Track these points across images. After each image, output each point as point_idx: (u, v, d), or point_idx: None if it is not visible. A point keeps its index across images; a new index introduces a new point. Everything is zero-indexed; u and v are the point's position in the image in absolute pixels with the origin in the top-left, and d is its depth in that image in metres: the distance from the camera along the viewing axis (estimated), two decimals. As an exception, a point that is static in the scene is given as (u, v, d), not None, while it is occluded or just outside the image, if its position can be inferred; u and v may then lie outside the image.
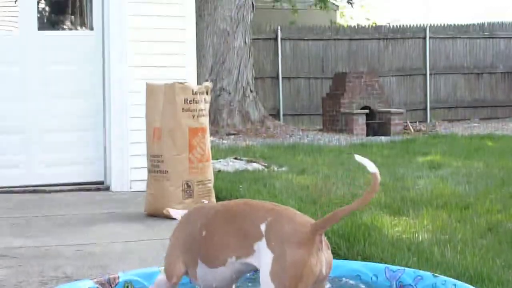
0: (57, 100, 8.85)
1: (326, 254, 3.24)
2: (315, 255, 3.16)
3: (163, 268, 3.95)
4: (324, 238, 3.26)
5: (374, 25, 25.17)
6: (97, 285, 3.93)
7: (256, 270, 3.32)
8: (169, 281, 3.60)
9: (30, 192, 8.59)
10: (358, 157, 3.30)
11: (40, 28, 8.90)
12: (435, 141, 14.01)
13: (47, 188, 8.69)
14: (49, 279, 4.92)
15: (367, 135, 16.88)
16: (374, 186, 3.25)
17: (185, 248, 3.55)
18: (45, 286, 4.67)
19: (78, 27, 10.29)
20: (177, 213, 3.94)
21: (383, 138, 15.59)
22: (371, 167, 3.24)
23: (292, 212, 3.33)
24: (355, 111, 17.54)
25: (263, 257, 3.19)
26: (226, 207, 3.50)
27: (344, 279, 4.06)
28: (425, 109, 21.92)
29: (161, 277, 3.65)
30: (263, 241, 3.20)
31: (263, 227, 3.22)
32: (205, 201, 3.91)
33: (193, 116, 7.15)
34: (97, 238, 6.24)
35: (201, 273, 3.49)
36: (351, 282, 4.09)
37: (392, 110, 18.14)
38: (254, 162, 10.74)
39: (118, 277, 4.05)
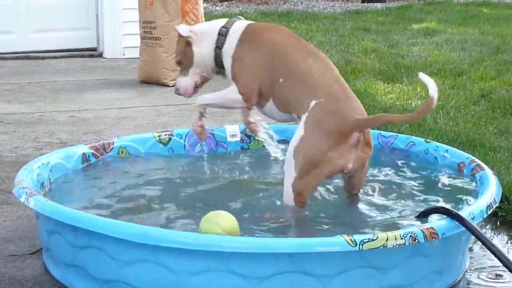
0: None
1: (361, 152, 3.21)
2: (342, 150, 3.16)
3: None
4: (369, 135, 3.25)
5: None
6: (92, 151, 3.94)
7: None
8: (248, 103, 3.50)
9: (23, 58, 8.54)
10: (423, 75, 3.14)
11: None
12: (431, 8, 13.84)
13: (40, 55, 8.64)
14: (44, 145, 4.95)
15: (363, 1, 16.63)
16: (428, 106, 3.11)
17: (261, 80, 3.45)
18: (40, 152, 4.70)
19: None
20: (186, 30, 3.63)
21: (378, 5, 15.38)
22: (432, 90, 3.07)
23: (346, 103, 3.25)
24: (351, -23, 17.21)
25: (297, 130, 3.25)
26: (302, 60, 3.38)
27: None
28: (422, -25, 21.53)
29: (233, 88, 3.51)
30: (305, 115, 3.25)
31: (312, 103, 3.25)
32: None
33: (186, -19, 7.05)
34: (91, 104, 6.25)
35: (269, 108, 3.50)
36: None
37: (388, -24, 17.80)
38: (247, 29, 10.62)
39: (113, 143, 4.06)
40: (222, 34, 3.58)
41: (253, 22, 3.68)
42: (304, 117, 3.26)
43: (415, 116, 3.38)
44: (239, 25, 3.60)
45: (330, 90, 3.28)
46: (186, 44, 3.64)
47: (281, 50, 3.45)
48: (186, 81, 3.68)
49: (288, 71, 3.39)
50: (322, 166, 3.17)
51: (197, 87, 3.70)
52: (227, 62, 3.56)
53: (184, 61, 3.66)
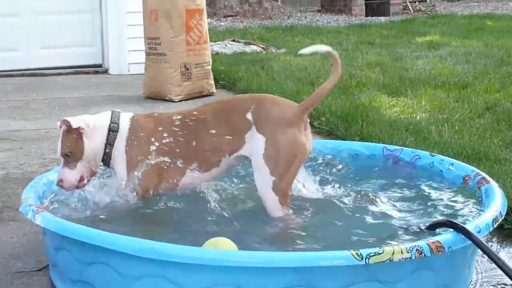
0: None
1: (309, 133, 3.32)
2: (303, 134, 3.25)
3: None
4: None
5: None
6: (98, 167, 3.93)
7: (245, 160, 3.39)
8: (143, 197, 3.36)
9: (28, 75, 8.59)
10: (305, 50, 3.38)
11: None
12: (435, 21, 13.88)
13: (45, 71, 8.68)
14: (50, 161, 4.97)
15: (366, 15, 16.67)
16: (336, 63, 3.29)
17: (167, 164, 3.33)
18: (46, 168, 4.71)
19: None
20: (77, 121, 3.37)
21: (382, 18, 15.43)
22: (324, 48, 3.32)
23: (274, 97, 3.42)
24: (354, -9, 17.22)
25: (255, 143, 3.24)
26: (207, 111, 3.36)
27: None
28: (425, -12, 21.55)
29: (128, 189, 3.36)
30: (253, 128, 3.25)
31: (249, 115, 3.25)
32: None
33: (190, -3, 7.10)
34: (96, 120, 6.26)
35: (188, 180, 3.38)
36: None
37: (392, -11, 17.80)
38: (252, 44, 10.67)
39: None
40: (113, 130, 3.40)
41: (135, 116, 3.48)
42: (253, 129, 3.25)
43: (336, 76, 3.32)
44: (125, 120, 3.43)
45: (251, 97, 3.42)
46: (77, 136, 3.39)
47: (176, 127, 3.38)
48: (72, 175, 3.39)
49: (195, 131, 3.34)
50: (299, 154, 3.22)
51: (81, 181, 3.42)
52: (121, 163, 3.40)
53: (74, 154, 3.39)
